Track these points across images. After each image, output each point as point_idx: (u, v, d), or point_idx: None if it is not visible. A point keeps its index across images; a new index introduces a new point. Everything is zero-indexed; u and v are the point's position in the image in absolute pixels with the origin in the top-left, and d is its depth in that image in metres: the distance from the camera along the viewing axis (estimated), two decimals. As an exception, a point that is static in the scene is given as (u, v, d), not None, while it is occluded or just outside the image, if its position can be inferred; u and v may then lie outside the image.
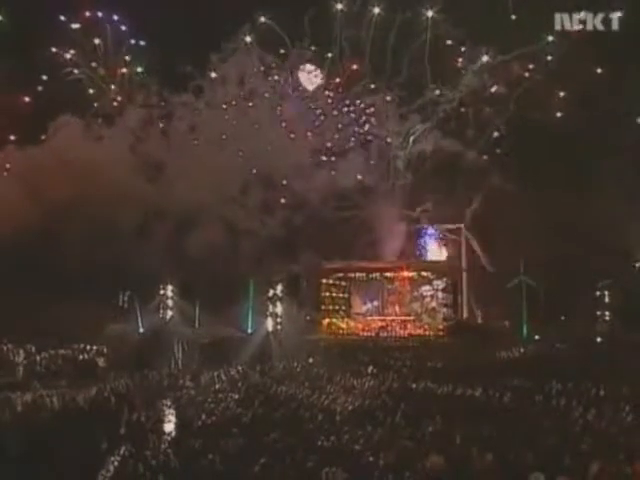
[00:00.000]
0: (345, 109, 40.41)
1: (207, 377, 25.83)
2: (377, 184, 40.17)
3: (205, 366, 28.03)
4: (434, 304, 42.98)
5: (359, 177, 40.00)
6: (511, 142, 37.78)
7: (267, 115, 39.64)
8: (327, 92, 40.77)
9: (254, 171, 37.86)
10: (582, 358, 30.10)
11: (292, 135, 39.44)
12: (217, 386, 23.93)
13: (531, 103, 37.22)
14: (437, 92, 39.28)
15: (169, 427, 17.29)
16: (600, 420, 16.96)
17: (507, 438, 14.63)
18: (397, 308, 43.65)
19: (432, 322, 42.24)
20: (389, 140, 40.34)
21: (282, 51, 39.76)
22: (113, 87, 39.94)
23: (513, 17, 36.01)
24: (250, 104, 39.84)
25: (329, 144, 40.06)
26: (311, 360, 30.68)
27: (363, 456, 13.12)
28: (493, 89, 38.90)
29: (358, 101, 40.38)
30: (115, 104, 40.05)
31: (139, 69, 40.25)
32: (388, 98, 39.75)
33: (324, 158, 39.93)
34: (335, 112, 40.41)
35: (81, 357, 30.35)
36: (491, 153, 39.14)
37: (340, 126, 40.46)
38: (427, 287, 43.27)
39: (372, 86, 39.88)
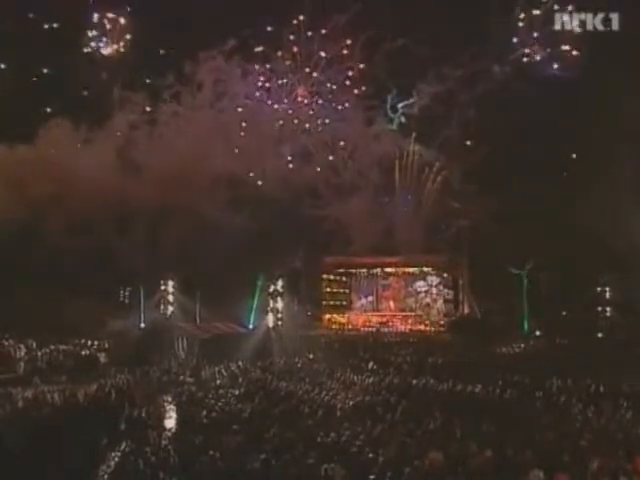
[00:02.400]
0: (317, 118, 41.79)
1: (208, 373, 25.87)
2: (347, 183, 40.99)
3: (206, 362, 28.05)
4: (436, 299, 43.16)
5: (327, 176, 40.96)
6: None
7: (241, 119, 40.59)
8: (299, 97, 42.05)
9: (226, 171, 38.31)
10: (583, 354, 30.06)
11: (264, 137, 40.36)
12: (218, 382, 23.93)
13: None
14: (399, 98, 41.23)
15: (170, 423, 17.32)
16: (600, 416, 16.97)
17: (507, 435, 14.61)
18: (396, 304, 43.82)
19: (434, 318, 42.43)
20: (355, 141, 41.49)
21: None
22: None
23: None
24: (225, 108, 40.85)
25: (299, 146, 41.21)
26: (311, 356, 30.72)
27: (363, 452, 13.08)
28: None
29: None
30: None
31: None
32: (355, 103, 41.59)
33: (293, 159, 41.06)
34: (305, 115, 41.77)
35: (82, 353, 30.40)
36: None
37: (307, 126, 41.64)
38: (429, 282, 43.45)
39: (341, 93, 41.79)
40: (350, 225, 40.15)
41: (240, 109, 40.86)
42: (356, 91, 41.48)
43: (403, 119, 41.54)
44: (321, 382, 22.85)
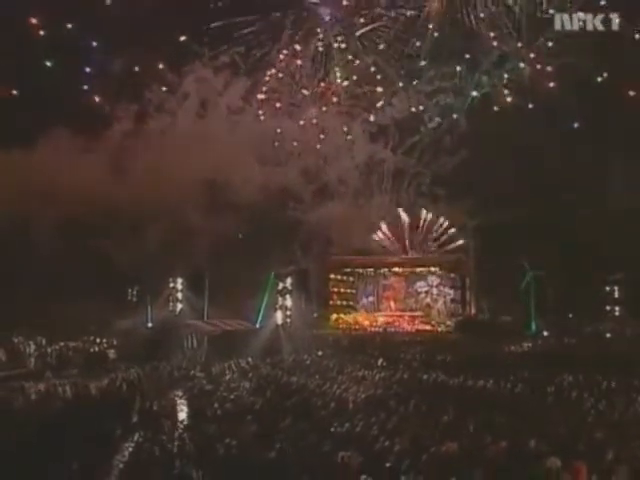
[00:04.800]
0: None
1: (218, 368, 25.92)
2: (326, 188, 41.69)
3: (215, 358, 28.13)
4: (437, 300, 43.24)
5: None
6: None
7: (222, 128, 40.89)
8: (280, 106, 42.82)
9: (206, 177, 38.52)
10: (591, 353, 29.95)
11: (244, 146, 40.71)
12: (228, 377, 23.95)
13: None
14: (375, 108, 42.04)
15: (183, 415, 17.32)
16: (612, 410, 16.90)
17: (520, 428, 14.54)
18: (397, 304, 43.91)
19: (436, 318, 42.53)
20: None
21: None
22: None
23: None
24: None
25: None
26: (320, 353, 30.73)
27: (378, 441, 13.05)
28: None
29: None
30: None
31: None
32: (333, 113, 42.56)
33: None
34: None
35: (91, 349, 30.50)
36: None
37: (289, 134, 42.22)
38: (429, 283, 43.55)
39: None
40: (332, 227, 40.51)
41: (224, 118, 41.20)
42: (335, 101, 42.28)
43: (376, 128, 42.10)
44: (332, 377, 22.82)
